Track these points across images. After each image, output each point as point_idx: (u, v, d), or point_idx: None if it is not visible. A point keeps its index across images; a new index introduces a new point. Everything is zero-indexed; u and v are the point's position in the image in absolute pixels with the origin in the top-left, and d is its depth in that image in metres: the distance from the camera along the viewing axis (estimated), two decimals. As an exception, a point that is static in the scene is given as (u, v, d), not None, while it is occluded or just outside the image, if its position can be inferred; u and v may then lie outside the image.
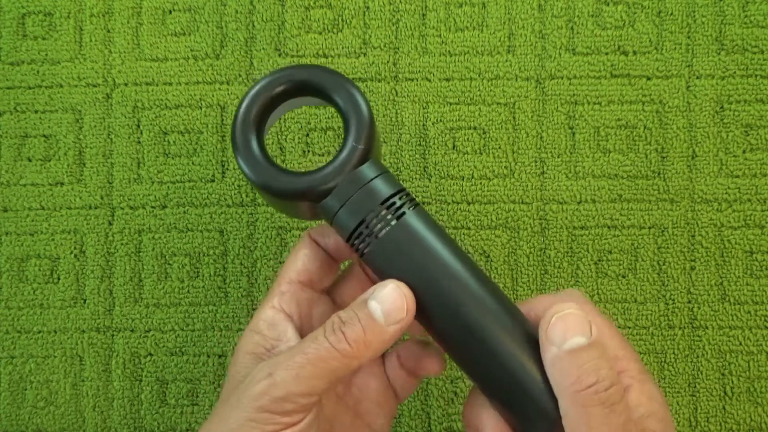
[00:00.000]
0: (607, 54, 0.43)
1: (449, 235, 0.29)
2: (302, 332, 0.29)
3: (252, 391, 0.26)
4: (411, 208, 0.28)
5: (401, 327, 0.27)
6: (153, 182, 0.43)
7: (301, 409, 0.26)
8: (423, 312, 0.28)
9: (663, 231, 0.42)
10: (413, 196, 0.29)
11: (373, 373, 0.32)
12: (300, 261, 0.30)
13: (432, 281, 0.27)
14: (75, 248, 0.43)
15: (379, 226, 0.28)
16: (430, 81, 0.43)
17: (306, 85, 0.30)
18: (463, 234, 0.43)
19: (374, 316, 0.26)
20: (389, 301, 0.26)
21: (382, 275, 0.28)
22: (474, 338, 0.27)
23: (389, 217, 0.28)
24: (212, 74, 0.44)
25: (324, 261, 0.31)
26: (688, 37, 0.43)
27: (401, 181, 0.43)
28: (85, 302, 0.43)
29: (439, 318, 0.28)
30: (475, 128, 0.43)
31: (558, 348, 0.25)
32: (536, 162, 0.43)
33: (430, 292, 0.27)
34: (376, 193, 0.28)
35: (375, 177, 0.29)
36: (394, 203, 0.28)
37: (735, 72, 0.42)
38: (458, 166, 0.43)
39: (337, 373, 0.26)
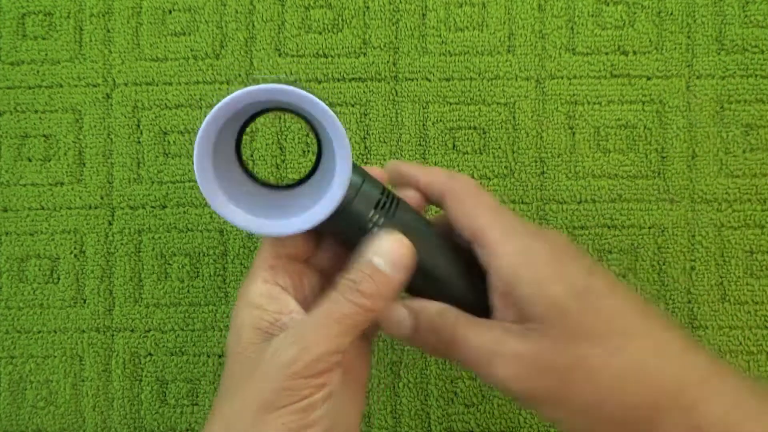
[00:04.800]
0: (607, 54, 0.43)
1: (420, 213, 0.31)
2: (301, 304, 0.30)
3: (280, 360, 0.26)
4: (396, 204, 0.30)
5: (406, 273, 0.28)
6: (153, 182, 0.43)
7: (331, 367, 0.27)
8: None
9: (663, 231, 0.42)
10: (390, 189, 0.31)
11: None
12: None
13: (420, 259, 0.30)
14: (75, 248, 0.43)
15: (375, 229, 0.29)
16: (430, 81, 0.43)
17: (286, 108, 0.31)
18: (463, 234, 0.43)
19: (380, 270, 0.28)
20: (390, 252, 0.28)
21: None
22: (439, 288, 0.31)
23: (382, 219, 0.29)
24: (212, 74, 0.44)
25: (309, 232, 0.31)
26: (688, 37, 0.43)
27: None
28: (85, 302, 0.43)
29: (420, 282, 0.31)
30: (475, 128, 0.43)
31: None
32: (536, 162, 0.43)
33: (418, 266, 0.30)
34: (369, 198, 0.29)
35: (362, 183, 0.29)
36: (384, 204, 0.29)
37: (735, 72, 0.42)
38: (458, 166, 0.43)
39: (360, 327, 0.27)
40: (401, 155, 0.43)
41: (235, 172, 0.30)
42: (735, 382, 0.27)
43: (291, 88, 0.27)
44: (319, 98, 0.27)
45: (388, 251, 0.28)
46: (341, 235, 0.30)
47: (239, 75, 0.43)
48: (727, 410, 0.26)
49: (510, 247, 0.29)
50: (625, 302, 0.28)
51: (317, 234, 0.32)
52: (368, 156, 0.43)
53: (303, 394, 0.26)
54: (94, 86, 0.44)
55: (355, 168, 0.30)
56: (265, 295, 0.29)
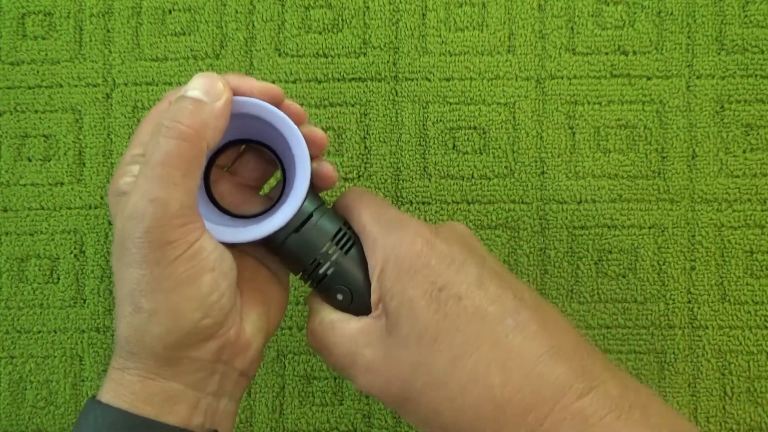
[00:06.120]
0: (607, 54, 0.43)
1: None
2: None
3: (144, 225, 0.25)
4: (353, 243, 0.30)
5: (225, 103, 0.27)
6: (153, 182, 0.43)
7: (194, 207, 0.26)
8: None
9: (663, 231, 0.42)
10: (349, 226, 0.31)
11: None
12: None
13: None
14: (75, 248, 0.43)
15: (327, 264, 0.29)
16: (430, 81, 0.43)
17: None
18: (463, 234, 0.43)
19: (198, 99, 0.27)
20: (204, 84, 0.27)
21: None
22: None
23: (337, 254, 0.29)
24: (212, 74, 0.44)
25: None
26: (688, 37, 0.43)
27: (401, 181, 0.43)
28: (85, 302, 0.43)
29: None
30: (475, 128, 0.43)
31: None
32: (536, 162, 0.43)
33: None
34: (324, 232, 0.29)
35: (321, 216, 0.30)
36: (340, 240, 0.30)
37: (735, 72, 0.42)
38: (458, 166, 0.43)
39: (194, 160, 0.26)
40: (401, 155, 0.43)
41: (204, 202, 0.30)
42: (591, 399, 0.24)
43: (262, 102, 0.28)
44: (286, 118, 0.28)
45: (200, 83, 0.27)
46: (296, 264, 0.30)
47: (239, 75, 0.43)
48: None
49: (382, 242, 0.28)
50: (485, 304, 0.26)
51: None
52: (368, 156, 0.43)
53: (188, 240, 0.26)
54: (94, 86, 0.44)
55: (319, 204, 0.30)
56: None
